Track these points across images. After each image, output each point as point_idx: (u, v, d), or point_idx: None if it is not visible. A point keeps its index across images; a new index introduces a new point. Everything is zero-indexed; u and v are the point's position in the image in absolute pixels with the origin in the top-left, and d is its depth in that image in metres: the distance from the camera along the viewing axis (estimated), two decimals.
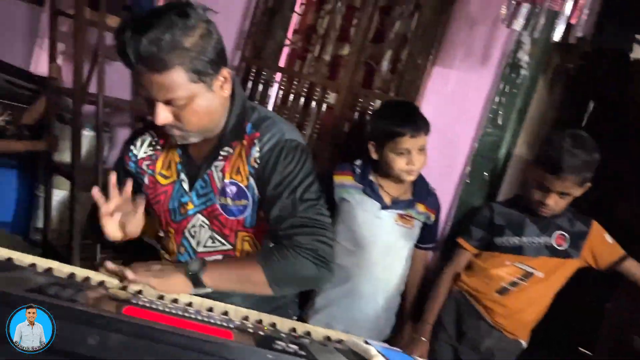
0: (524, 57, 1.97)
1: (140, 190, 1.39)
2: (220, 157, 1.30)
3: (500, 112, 1.99)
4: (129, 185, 1.26)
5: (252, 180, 1.29)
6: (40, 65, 3.19)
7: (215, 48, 1.16)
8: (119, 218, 1.24)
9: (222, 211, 1.32)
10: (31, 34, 3.28)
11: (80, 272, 1.18)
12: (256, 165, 1.28)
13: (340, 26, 2.41)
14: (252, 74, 2.52)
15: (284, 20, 2.51)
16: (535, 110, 2.20)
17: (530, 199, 1.73)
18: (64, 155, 2.63)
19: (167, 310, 0.98)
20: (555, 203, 1.67)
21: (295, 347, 0.91)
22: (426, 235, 1.96)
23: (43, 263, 1.17)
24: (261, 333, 1.00)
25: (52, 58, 2.65)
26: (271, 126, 1.29)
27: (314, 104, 2.38)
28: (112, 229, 1.26)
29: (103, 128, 2.52)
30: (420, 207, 1.91)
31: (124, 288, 1.17)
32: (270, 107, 2.50)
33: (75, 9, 2.47)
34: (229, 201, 1.31)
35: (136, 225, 1.27)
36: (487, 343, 1.81)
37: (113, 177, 1.25)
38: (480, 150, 2.02)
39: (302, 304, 1.88)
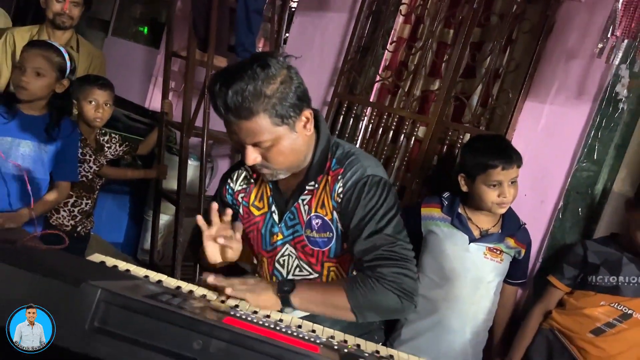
0: (622, 90, 1.91)
1: (237, 220, 1.52)
2: (307, 191, 1.37)
3: (596, 147, 1.94)
4: (228, 213, 1.36)
5: (335, 215, 1.36)
6: (154, 102, 3.53)
7: (295, 92, 1.24)
8: (220, 242, 1.34)
9: (307, 242, 1.41)
10: (147, 74, 3.64)
11: (186, 286, 1.31)
12: (339, 200, 1.33)
13: (431, 62, 2.47)
14: (344, 109, 2.63)
15: (376, 57, 2.61)
16: (636, 146, 2.11)
17: (633, 239, 1.67)
18: (171, 183, 2.88)
19: (261, 323, 1.07)
20: None
21: None
22: (516, 270, 1.93)
23: (154, 276, 1.31)
24: (346, 350, 1.06)
25: (164, 95, 2.93)
26: (354, 162, 1.34)
27: (402, 137, 2.44)
28: (213, 252, 1.37)
29: (206, 159, 2.73)
30: (510, 242, 1.89)
31: (222, 302, 1.28)
32: (359, 140, 2.59)
33: (188, 51, 2.73)
34: (315, 233, 1.39)
35: (235, 249, 1.37)
36: None
37: (214, 205, 1.36)
38: (575, 185, 1.97)
39: (388, 333, 1.90)
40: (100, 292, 0.91)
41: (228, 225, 1.36)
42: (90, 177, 2.56)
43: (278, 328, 1.07)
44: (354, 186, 1.32)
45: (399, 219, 1.33)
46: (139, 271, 1.32)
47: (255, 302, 1.25)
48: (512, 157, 1.79)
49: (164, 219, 3.06)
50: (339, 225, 1.37)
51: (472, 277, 1.86)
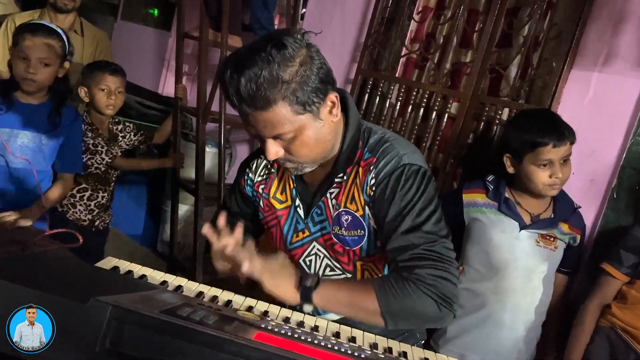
0: None
1: (257, 212, 1.37)
2: (335, 184, 1.22)
3: None
4: (238, 231, 1.14)
5: (367, 210, 1.20)
6: (167, 87, 3.40)
7: (318, 74, 1.07)
8: (230, 254, 1.12)
9: (336, 240, 1.25)
10: (159, 58, 3.50)
11: (208, 291, 1.18)
12: (371, 194, 1.18)
13: (461, 31, 2.28)
14: (369, 87, 2.46)
15: (401, 29, 2.43)
16: None
17: None
18: (189, 172, 2.75)
19: (295, 336, 0.93)
20: None
21: None
22: (568, 258, 1.76)
23: (173, 281, 1.18)
24: None
25: (178, 79, 2.79)
26: (388, 150, 1.18)
27: (433, 115, 2.27)
28: (222, 266, 1.18)
29: (225, 145, 2.60)
30: (564, 227, 1.72)
31: (249, 309, 1.14)
32: (387, 120, 2.43)
33: (200, 31, 2.58)
34: (344, 231, 1.23)
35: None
36: None
37: (222, 219, 1.14)
38: (630, 161, 1.79)
39: (431, 331, 1.76)
40: (111, 309, 0.79)
41: (239, 242, 1.14)
42: (104, 168, 2.45)
43: (316, 342, 0.92)
44: (388, 177, 1.15)
45: (440, 214, 1.16)
46: (156, 276, 1.19)
47: (269, 288, 1.09)
48: (564, 133, 1.61)
49: (183, 209, 2.94)
50: (372, 222, 1.21)
51: (523, 267, 1.69)
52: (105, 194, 2.49)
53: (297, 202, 1.28)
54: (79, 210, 2.43)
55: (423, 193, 1.15)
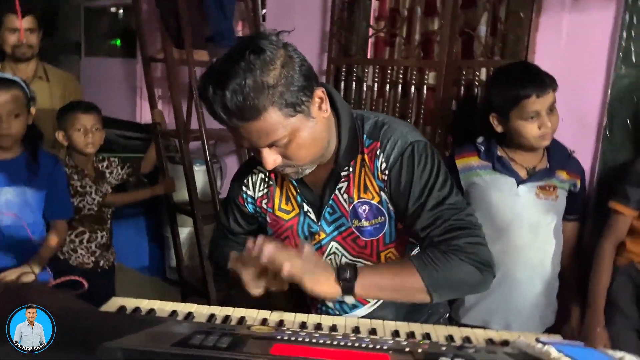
0: None
1: (262, 228, 1.33)
2: (342, 179, 1.20)
3: (632, 48, 1.73)
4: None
5: (384, 195, 1.18)
6: (144, 114, 3.38)
7: (301, 72, 1.04)
8: (269, 258, 1.06)
9: (358, 234, 1.23)
10: (130, 86, 3.48)
11: (220, 312, 1.16)
12: (385, 178, 1.16)
13: (424, 0, 2.25)
14: (343, 74, 2.43)
15: (364, 9, 2.40)
16: None
17: None
18: (183, 194, 2.72)
19: (314, 341, 0.91)
20: None
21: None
22: (573, 204, 1.75)
23: (182, 308, 1.16)
24: (420, 350, 0.90)
25: (152, 104, 2.76)
26: (389, 131, 1.16)
27: (412, 89, 2.24)
28: (256, 287, 1.12)
29: (212, 160, 2.57)
30: (562, 174, 1.70)
31: (264, 322, 1.12)
32: (367, 103, 2.40)
33: (164, 52, 2.55)
34: (364, 222, 1.21)
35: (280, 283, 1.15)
36: None
37: (249, 243, 1.09)
38: (617, 95, 1.77)
39: (450, 303, 1.74)
40: (121, 353, 0.77)
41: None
42: (97, 208, 2.42)
43: (335, 342, 0.90)
44: (400, 158, 1.13)
45: (454, 182, 1.17)
46: (165, 307, 1.16)
47: (311, 288, 1.05)
48: (545, 82, 1.59)
49: (184, 232, 2.92)
50: (390, 206, 1.19)
51: (528, 222, 1.68)
52: (104, 233, 2.47)
53: (306, 207, 1.25)
54: (81, 254, 2.41)
55: (439, 167, 1.14)
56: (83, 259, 2.41)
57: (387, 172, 1.15)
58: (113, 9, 3.92)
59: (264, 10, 2.90)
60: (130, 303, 1.15)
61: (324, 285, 1.07)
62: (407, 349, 0.89)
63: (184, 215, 2.73)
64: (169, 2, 2.63)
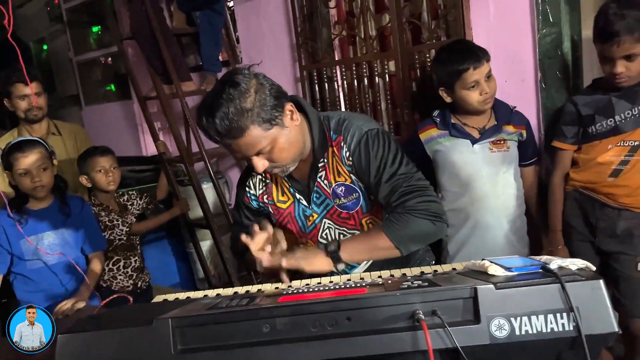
0: None
1: (269, 218, 1.63)
2: (320, 169, 1.49)
3: (548, 9, 1.99)
4: (269, 228, 1.46)
5: (353, 177, 1.47)
6: (149, 147, 3.65)
7: (271, 94, 1.33)
8: (268, 265, 1.42)
9: (341, 210, 1.53)
10: (132, 125, 3.76)
11: (242, 290, 1.45)
12: (350, 163, 1.45)
13: (373, 1, 2.53)
14: (316, 78, 2.72)
15: (322, 18, 2.68)
16: None
17: (605, 74, 1.74)
18: (197, 211, 3.02)
19: (311, 290, 1.19)
20: (626, 69, 1.67)
21: (419, 282, 1.06)
22: (525, 151, 2.01)
23: (212, 292, 1.46)
24: (390, 282, 1.17)
25: (154, 137, 3.06)
26: (349, 126, 1.45)
27: (377, 79, 2.52)
28: (267, 259, 1.44)
29: (217, 176, 2.86)
30: (509, 128, 1.96)
31: (277, 288, 1.41)
32: (342, 98, 2.68)
33: (156, 91, 2.84)
34: (343, 200, 1.51)
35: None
36: (622, 225, 1.81)
37: (255, 226, 1.44)
38: (545, 52, 2.04)
39: (437, 257, 2.01)
40: (171, 321, 1.04)
41: (270, 236, 1.45)
42: (125, 237, 2.71)
43: (328, 288, 1.19)
44: (358, 146, 1.44)
45: (406, 157, 1.45)
46: (198, 294, 1.46)
47: (310, 267, 1.38)
48: (478, 55, 1.86)
49: (206, 245, 3.21)
50: (360, 184, 1.49)
51: (487, 173, 1.94)
52: (137, 257, 2.73)
53: (298, 195, 1.56)
54: (121, 279, 2.68)
55: (389, 147, 1.44)
56: (123, 283, 2.68)
57: (351, 158, 1.46)
58: (102, 59, 4.18)
59: (237, 33, 3.18)
60: (171, 296, 1.45)
61: (318, 261, 1.39)
62: (380, 282, 1.17)
63: (202, 229, 3.03)
64: (150, 45, 2.90)
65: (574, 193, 1.92)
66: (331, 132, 1.49)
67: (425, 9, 2.33)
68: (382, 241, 1.38)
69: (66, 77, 4.43)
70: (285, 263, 1.37)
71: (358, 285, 1.17)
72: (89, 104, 4.28)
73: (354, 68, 2.58)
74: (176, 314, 1.09)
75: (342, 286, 1.19)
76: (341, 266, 1.41)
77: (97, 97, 4.23)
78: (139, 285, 2.75)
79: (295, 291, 1.21)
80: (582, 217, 1.91)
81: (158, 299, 1.45)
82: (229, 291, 1.46)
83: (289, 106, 1.39)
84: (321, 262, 1.39)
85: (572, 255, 1.90)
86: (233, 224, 1.77)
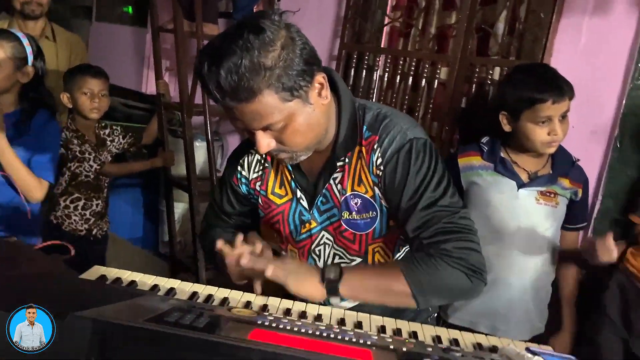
0: None
1: (255, 209, 1.31)
2: (338, 169, 1.16)
3: None
4: (256, 244, 1.15)
5: (377, 191, 1.15)
6: (150, 85, 3.33)
7: (301, 55, 0.99)
8: (248, 266, 1.08)
9: (347, 227, 1.20)
10: (139, 56, 3.43)
11: (203, 290, 1.13)
12: (379, 173, 1.13)
13: None
14: (354, 61, 2.39)
15: None
16: None
17: None
18: (181, 168, 2.68)
19: (295, 329, 0.88)
20: None
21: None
22: (574, 213, 1.71)
23: (165, 283, 1.13)
24: (404, 349, 0.86)
25: (158, 75, 2.72)
26: (390, 126, 1.12)
27: (423, 82, 2.19)
28: (248, 259, 1.10)
29: (213, 137, 2.53)
30: (565, 182, 1.67)
31: (247, 305, 1.09)
32: (376, 93, 2.36)
33: (174, 23, 2.50)
34: (355, 215, 1.18)
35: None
36: None
37: (239, 237, 1.13)
38: (632, 107, 1.73)
39: None
40: (91, 324, 0.73)
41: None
42: (93, 176, 2.39)
43: (318, 333, 0.87)
44: (396, 154, 1.10)
45: (453, 185, 1.13)
46: (147, 280, 1.13)
47: (296, 289, 1.05)
48: (563, 89, 1.55)
49: (180, 207, 2.89)
50: (383, 202, 1.16)
51: (525, 226, 1.64)
52: (100, 202, 2.44)
53: (299, 193, 1.22)
54: (75, 220, 2.38)
55: (436, 167, 1.11)
56: (76, 225, 2.38)
57: (382, 167, 1.12)
58: None
59: None
60: (112, 273, 1.12)
61: (308, 286, 1.06)
62: (391, 347, 0.86)
63: (180, 190, 2.70)
64: None
65: (622, 277, 1.61)
66: (364, 127, 1.14)
67: (503, 19, 1.99)
68: (398, 284, 1.06)
69: None
70: (270, 272, 1.04)
71: (360, 341, 0.86)
72: (99, 20, 3.95)
73: (400, 62, 2.25)
74: (102, 314, 0.78)
75: (339, 337, 0.87)
76: (335, 300, 1.07)
77: (111, 16, 3.89)
78: (93, 232, 2.45)
79: (273, 324, 0.89)
80: (621, 308, 1.62)
81: (94, 272, 1.12)
82: (186, 287, 1.13)
83: (320, 77, 1.04)
84: (312, 289, 1.06)
85: (598, 346, 1.59)
86: (212, 201, 1.41)
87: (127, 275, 1.12)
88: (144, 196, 3.19)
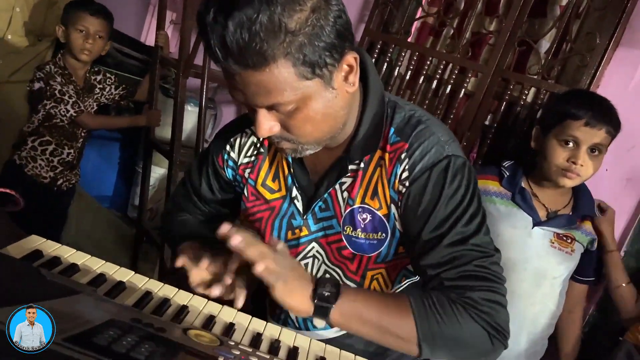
0: None
1: (237, 199, 1.08)
2: (348, 173, 0.96)
3: None
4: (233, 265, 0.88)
5: (394, 209, 0.94)
6: (151, 35, 3.06)
7: (335, 25, 0.78)
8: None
9: (347, 244, 0.98)
10: (144, 1, 3.15)
11: (158, 291, 0.91)
12: (403, 190, 0.92)
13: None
14: (376, 51, 2.16)
15: None
16: None
17: None
18: (166, 131, 2.44)
19: None
20: None
21: None
22: (588, 264, 1.53)
23: (113, 274, 0.90)
24: None
25: (159, 26, 2.46)
26: (425, 134, 0.91)
27: (448, 89, 1.98)
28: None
29: (207, 104, 2.29)
30: (587, 227, 1.49)
31: (210, 321, 0.87)
32: (394, 90, 2.14)
33: None
34: (359, 233, 0.96)
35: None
36: None
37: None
38: None
39: None
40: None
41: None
42: (67, 122, 2.15)
43: None
44: (429, 171, 0.89)
45: (486, 221, 0.92)
46: (93, 266, 0.91)
47: (281, 298, 0.82)
48: (606, 118, 1.36)
49: (158, 172, 2.65)
50: (398, 224, 0.94)
51: (533, 270, 1.46)
52: (72, 151, 2.21)
53: (294, 192, 1.00)
54: (40, 165, 2.15)
55: (473, 196, 0.90)
56: (40, 171, 2.16)
57: (407, 183, 0.90)
58: None
59: None
60: (50, 249, 0.89)
61: (296, 299, 0.83)
62: None
63: (160, 154, 2.45)
64: None
65: (631, 348, 1.43)
66: (391, 130, 0.93)
67: (550, 37, 1.78)
68: (403, 326, 0.84)
69: None
70: (261, 269, 0.79)
71: None
72: None
73: (427, 62, 2.03)
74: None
75: None
76: (320, 323, 0.85)
77: None
78: (59, 183, 2.23)
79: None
80: None
81: (28, 243, 0.89)
82: (139, 283, 0.91)
83: (351, 58, 0.82)
84: (298, 303, 0.83)
85: None
86: (186, 179, 1.17)
87: (68, 255, 0.90)
88: (121, 152, 2.94)
